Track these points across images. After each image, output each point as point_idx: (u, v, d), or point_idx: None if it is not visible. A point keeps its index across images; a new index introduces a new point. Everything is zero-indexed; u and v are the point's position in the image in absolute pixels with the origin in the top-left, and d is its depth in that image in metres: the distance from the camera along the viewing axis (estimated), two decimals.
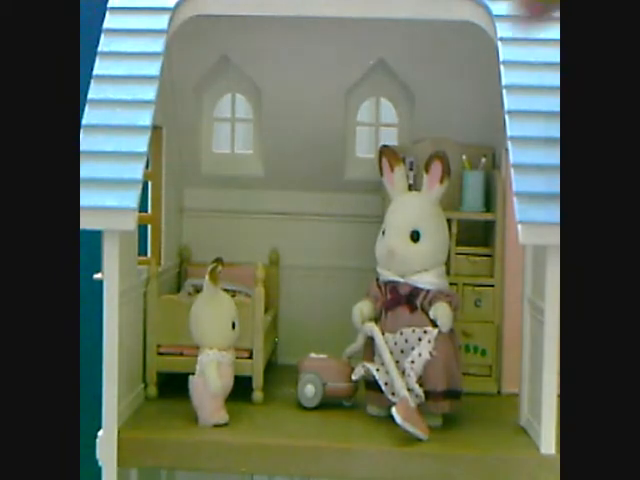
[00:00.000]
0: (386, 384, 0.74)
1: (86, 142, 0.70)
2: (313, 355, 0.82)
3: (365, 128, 0.96)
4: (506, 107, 0.71)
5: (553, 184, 0.61)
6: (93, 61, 0.75)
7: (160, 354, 0.82)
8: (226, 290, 0.80)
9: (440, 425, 0.75)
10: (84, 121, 0.71)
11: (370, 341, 0.77)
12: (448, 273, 0.82)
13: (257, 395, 0.81)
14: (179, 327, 0.80)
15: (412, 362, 0.73)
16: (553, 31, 0.64)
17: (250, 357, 0.81)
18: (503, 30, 0.73)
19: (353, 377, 0.77)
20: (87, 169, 0.68)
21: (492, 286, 0.88)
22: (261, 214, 0.97)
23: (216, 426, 0.74)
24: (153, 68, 0.74)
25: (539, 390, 0.71)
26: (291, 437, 0.72)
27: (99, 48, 0.75)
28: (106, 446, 0.70)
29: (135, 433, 0.72)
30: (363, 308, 0.77)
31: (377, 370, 0.75)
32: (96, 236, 0.70)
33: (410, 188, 0.81)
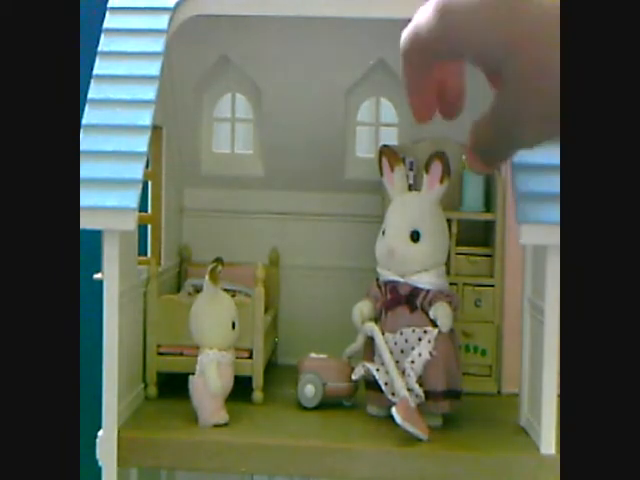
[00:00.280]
0: (386, 384, 0.74)
1: (86, 142, 0.70)
2: (313, 355, 0.82)
3: (365, 128, 0.96)
4: None
5: (553, 184, 0.61)
6: (93, 61, 0.75)
7: (160, 354, 0.82)
8: (226, 290, 0.80)
9: (440, 425, 0.75)
10: (84, 121, 0.71)
11: (370, 341, 0.77)
12: (448, 273, 0.82)
13: (257, 395, 0.81)
14: (179, 327, 0.80)
15: (412, 362, 0.73)
16: None
17: (250, 357, 0.81)
18: None
19: (353, 377, 0.77)
20: (87, 169, 0.68)
21: (492, 286, 0.88)
22: (261, 214, 0.97)
23: (216, 426, 0.74)
24: (153, 68, 0.74)
25: (539, 390, 0.71)
26: (291, 437, 0.73)
27: (99, 48, 0.76)
28: (106, 446, 0.70)
29: (135, 433, 0.72)
30: (363, 308, 0.77)
31: (377, 370, 0.75)
32: (96, 236, 0.70)
33: (410, 188, 0.81)
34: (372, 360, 0.76)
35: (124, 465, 0.72)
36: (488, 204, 0.88)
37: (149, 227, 0.90)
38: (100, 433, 0.71)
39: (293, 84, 0.91)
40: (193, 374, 0.75)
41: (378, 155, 0.78)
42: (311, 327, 0.95)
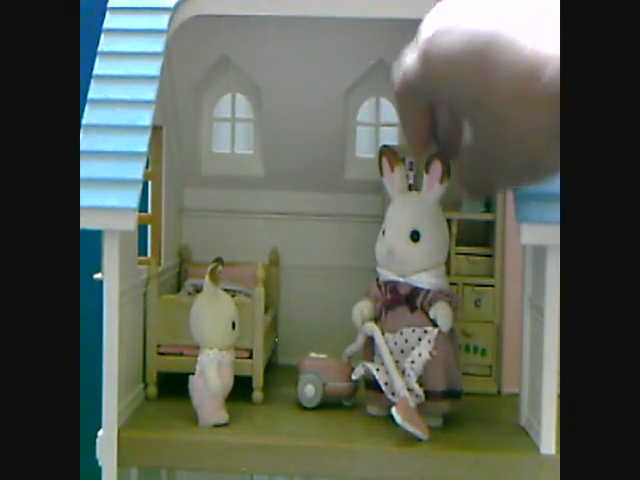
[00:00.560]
0: (386, 384, 0.74)
1: (86, 142, 0.70)
2: (313, 355, 0.82)
3: (365, 128, 0.96)
4: None
5: (553, 184, 0.61)
6: (93, 61, 0.75)
7: (160, 354, 0.82)
8: (226, 290, 0.80)
9: (440, 425, 0.75)
10: (84, 121, 0.71)
11: (370, 341, 0.77)
12: (448, 273, 0.82)
13: (257, 395, 0.81)
14: (179, 327, 0.80)
15: (412, 362, 0.73)
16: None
17: (250, 357, 0.81)
18: None
19: (353, 377, 0.77)
20: (87, 169, 0.68)
21: (492, 286, 0.88)
22: (261, 214, 0.97)
23: (216, 426, 0.74)
24: (153, 68, 0.74)
25: (539, 390, 0.71)
26: (291, 437, 0.73)
27: (99, 48, 0.75)
28: (106, 446, 0.70)
29: (135, 433, 0.72)
30: (363, 308, 0.77)
31: (377, 370, 0.75)
32: (96, 236, 0.70)
33: (410, 188, 0.81)
34: (372, 360, 0.76)
35: (124, 465, 0.72)
36: (488, 204, 0.88)
37: (149, 227, 0.90)
38: (100, 433, 0.71)
39: (293, 84, 0.91)
40: (193, 374, 0.75)
41: (378, 155, 0.78)
42: (311, 327, 0.95)
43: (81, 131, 0.70)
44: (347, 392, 0.80)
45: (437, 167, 0.73)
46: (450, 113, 0.68)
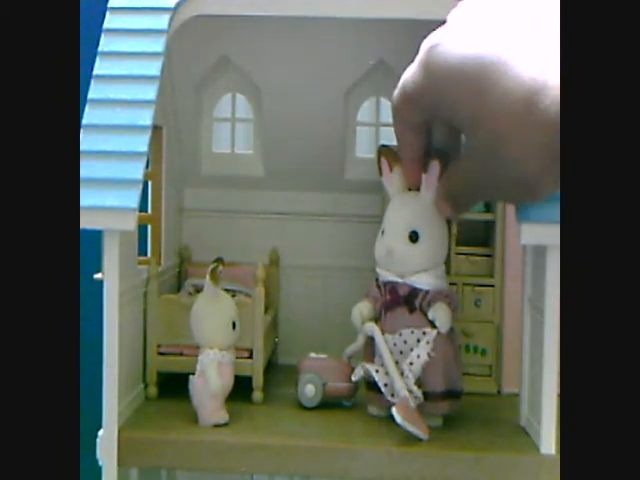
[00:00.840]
0: (385, 385, 0.74)
1: (86, 142, 0.70)
2: (313, 355, 0.82)
3: (365, 128, 0.96)
4: None
5: None
6: (93, 61, 0.75)
7: (160, 354, 0.82)
8: (226, 290, 0.80)
9: (440, 425, 0.75)
10: (84, 121, 0.71)
11: (370, 341, 0.77)
12: (448, 273, 0.82)
13: (257, 395, 0.81)
14: (179, 327, 0.80)
15: (411, 364, 0.73)
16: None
17: (250, 357, 0.81)
18: None
19: (353, 378, 0.77)
20: (87, 169, 0.68)
21: (492, 286, 0.88)
22: (261, 214, 0.97)
23: (216, 426, 0.74)
24: (153, 68, 0.74)
25: (539, 390, 0.71)
26: (291, 437, 0.73)
27: (99, 48, 0.75)
28: (106, 446, 0.70)
29: (135, 433, 0.72)
30: (362, 309, 0.77)
31: (376, 371, 0.74)
32: (96, 236, 0.70)
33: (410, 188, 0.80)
34: (372, 360, 0.76)
35: (124, 465, 0.72)
36: (488, 204, 0.88)
37: (149, 227, 0.90)
38: (100, 433, 0.71)
39: (293, 84, 0.91)
40: (193, 374, 0.75)
41: (377, 155, 0.78)
42: (311, 327, 0.95)
43: (81, 131, 0.70)
44: (347, 392, 0.80)
45: (435, 167, 0.73)
46: (448, 129, 0.69)
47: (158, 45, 0.75)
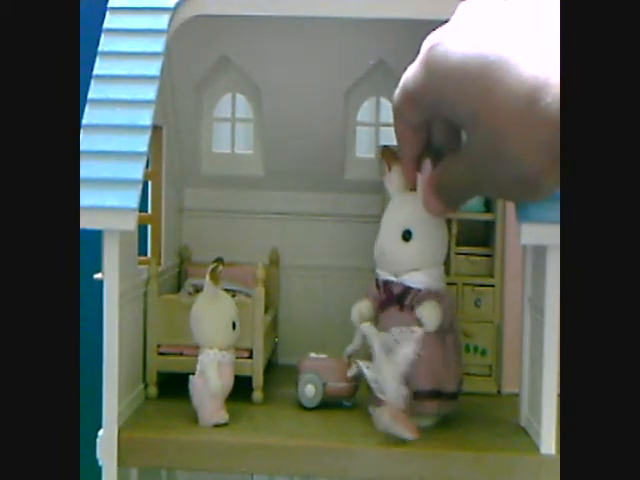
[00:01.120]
0: (376, 382, 0.74)
1: (86, 142, 0.70)
2: (313, 355, 0.82)
3: (365, 128, 0.96)
4: None
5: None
6: (93, 61, 0.75)
7: (160, 354, 0.82)
8: (226, 290, 0.80)
9: (430, 426, 0.75)
10: (84, 121, 0.71)
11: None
12: (448, 273, 0.82)
13: (257, 395, 0.81)
14: (179, 327, 0.80)
15: (396, 362, 0.73)
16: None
17: (250, 357, 0.81)
18: None
19: (348, 374, 0.77)
20: (87, 169, 0.68)
21: (492, 286, 0.88)
22: (261, 214, 0.97)
23: (216, 426, 0.74)
24: (153, 68, 0.74)
25: (539, 390, 0.71)
26: (291, 437, 0.73)
27: (99, 48, 0.75)
28: (106, 446, 0.70)
29: (135, 433, 0.72)
30: (362, 308, 0.77)
31: (367, 368, 0.74)
32: (96, 236, 0.70)
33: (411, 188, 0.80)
34: (371, 360, 0.76)
35: (124, 465, 0.72)
36: (488, 204, 0.88)
37: (149, 227, 0.90)
38: (100, 433, 0.71)
39: (293, 84, 0.91)
40: (193, 374, 0.75)
41: (379, 155, 0.78)
42: (311, 327, 0.95)
43: (81, 131, 0.70)
44: (347, 392, 0.80)
45: (427, 166, 0.73)
46: (448, 127, 0.69)
47: (158, 45, 0.75)
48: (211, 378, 0.74)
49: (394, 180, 0.77)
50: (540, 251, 0.72)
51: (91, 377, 0.71)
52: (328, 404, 0.80)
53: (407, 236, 0.74)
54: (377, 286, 0.77)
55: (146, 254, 0.89)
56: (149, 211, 0.89)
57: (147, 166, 0.86)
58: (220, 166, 0.97)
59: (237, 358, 0.78)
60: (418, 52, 0.65)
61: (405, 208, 0.75)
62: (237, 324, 0.77)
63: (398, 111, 0.68)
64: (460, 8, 0.64)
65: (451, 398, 0.75)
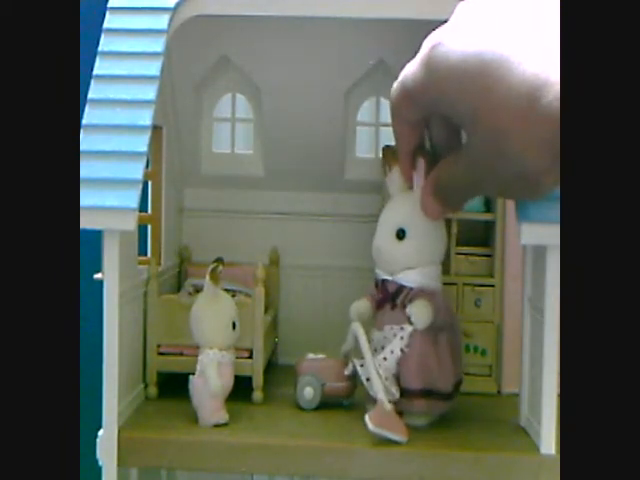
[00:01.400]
0: (368, 380, 0.74)
1: (86, 142, 0.70)
2: (311, 356, 0.82)
3: (365, 128, 0.96)
4: None
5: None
6: (93, 61, 0.75)
7: (160, 354, 0.82)
8: (226, 290, 0.80)
9: (423, 425, 0.75)
10: (84, 121, 0.71)
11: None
12: (448, 273, 0.82)
13: (257, 395, 0.81)
14: (179, 327, 0.80)
15: (384, 359, 0.73)
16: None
17: (250, 357, 0.81)
18: None
19: (345, 372, 0.77)
20: (87, 169, 0.68)
21: (492, 286, 0.88)
22: (261, 214, 0.97)
23: (216, 426, 0.74)
24: (153, 68, 0.74)
25: (539, 390, 0.71)
26: (291, 437, 0.73)
27: (99, 48, 0.75)
28: (106, 446, 0.70)
29: (135, 433, 0.72)
30: (360, 306, 0.77)
31: (361, 366, 0.74)
32: (96, 236, 0.70)
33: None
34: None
35: (124, 465, 0.72)
36: (488, 204, 0.88)
37: (149, 227, 0.90)
38: (100, 433, 0.71)
39: (293, 84, 0.91)
40: (193, 374, 0.75)
41: (382, 155, 0.78)
42: (311, 327, 0.95)
43: (81, 131, 0.70)
44: (346, 392, 0.80)
45: (421, 164, 0.73)
46: (447, 126, 0.69)
47: (158, 45, 0.75)
48: (211, 378, 0.74)
49: (395, 180, 0.77)
50: (540, 251, 0.72)
51: (91, 377, 0.71)
52: (327, 404, 0.80)
53: (401, 235, 0.74)
54: (375, 285, 0.78)
55: (146, 254, 0.89)
56: (149, 211, 0.89)
57: (147, 166, 0.86)
58: (220, 166, 0.97)
59: (237, 358, 0.78)
60: (418, 52, 0.65)
61: (401, 207, 0.75)
62: (237, 324, 0.77)
63: (396, 108, 0.68)
64: (460, 7, 0.64)
65: (445, 398, 0.75)
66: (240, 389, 0.78)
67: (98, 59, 0.75)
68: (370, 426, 0.70)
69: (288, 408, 0.80)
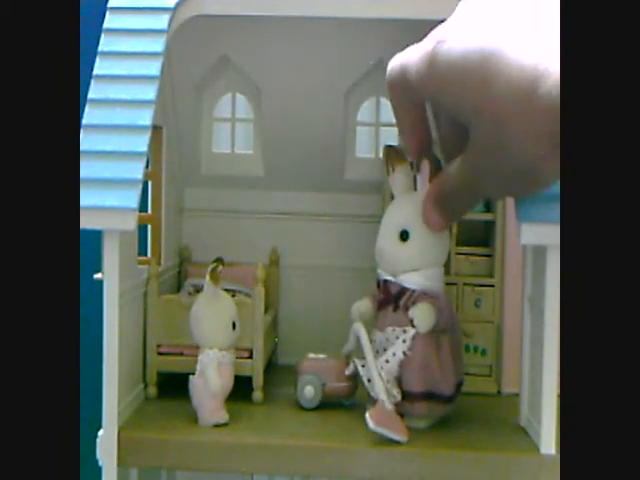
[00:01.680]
0: (369, 381, 0.74)
1: (86, 142, 0.70)
2: (311, 355, 0.82)
3: (365, 128, 0.96)
4: None
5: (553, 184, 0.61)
6: (93, 61, 0.75)
7: (160, 354, 0.82)
8: (226, 290, 0.80)
9: (424, 428, 0.75)
10: (84, 121, 0.71)
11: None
12: (448, 273, 0.82)
13: (257, 395, 0.81)
14: (179, 327, 0.80)
15: (386, 361, 0.73)
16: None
17: (250, 357, 0.81)
18: None
19: (346, 372, 0.77)
20: (87, 169, 0.68)
21: (492, 286, 0.88)
22: (261, 214, 0.97)
23: (216, 426, 0.74)
24: (153, 68, 0.74)
25: (539, 390, 0.71)
26: (291, 437, 0.73)
27: (99, 48, 0.75)
28: (106, 446, 0.70)
29: (135, 433, 0.72)
30: (361, 307, 0.77)
31: (362, 366, 0.74)
32: (96, 236, 0.70)
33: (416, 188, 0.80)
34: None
35: (124, 465, 0.72)
36: (488, 204, 0.88)
37: (149, 227, 0.90)
38: (100, 433, 0.71)
39: (293, 84, 0.91)
40: (193, 374, 0.75)
41: (383, 155, 0.78)
42: (311, 327, 0.95)
43: (81, 131, 0.70)
44: (346, 392, 0.80)
45: (425, 166, 0.73)
46: (454, 122, 0.69)
47: (158, 45, 0.75)
48: (211, 378, 0.74)
49: (398, 180, 0.77)
50: (540, 251, 0.72)
51: (91, 377, 0.71)
52: (328, 404, 0.80)
53: (404, 236, 0.74)
54: (378, 285, 0.77)
55: (146, 254, 0.89)
56: (149, 211, 0.89)
57: (147, 166, 0.86)
58: (220, 166, 0.97)
59: (237, 358, 0.78)
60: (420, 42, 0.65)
61: (404, 208, 0.75)
62: (237, 324, 0.77)
63: (394, 89, 0.68)
64: (461, 5, 0.64)
65: (446, 401, 0.75)
66: (240, 389, 0.78)
67: (98, 59, 0.75)
68: (371, 425, 0.70)
69: (288, 408, 0.80)
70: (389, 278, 0.75)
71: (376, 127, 0.96)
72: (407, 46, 0.68)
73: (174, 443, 0.72)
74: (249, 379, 0.81)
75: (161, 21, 0.76)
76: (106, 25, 0.77)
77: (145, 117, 0.72)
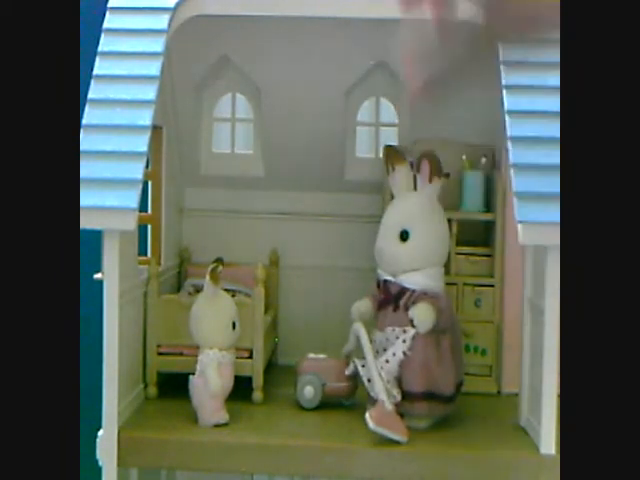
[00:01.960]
0: (369, 380, 0.74)
1: (86, 142, 0.70)
2: (311, 355, 0.82)
3: (365, 128, 0.96)
4: (506, 107, 0.71)
5: (553, 184, 0.61)
6: (93, 61, 0.75)
7: (160, 354, 0.82)
8: (226, 290, 0.80)
9: (424, 428, 0.75)
10: (84, 121, 0.71)
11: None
12: (448, 273, 0.82)
13: (257, 395, 0.81)
14: (179, 327, 0.80)
15: (387, 361, 0.73)
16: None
17: (250, 357, 0.81)
18: None
19: (346, 372, 0.77)
20: (87, 169, 0.68)
21: (492, 286, 0.88)
22: (261, 214, 0.97)
23: (216, 426, 0.74)
24: (153, 68, 0.74)
25: (539, 390, 0.71)
26: (291, 437, 0.73)
27: (99, 48, 0.76)
28: (106, 446, 0.70)
29: (135, 433, 0.72)
30: (361, 306, 0.77)
31: (362, 366, 0.74)
32: (96, 236, 0.70)
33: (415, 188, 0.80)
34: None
35: (124, 465, 0.72)
36: (488, 204, 0.88)
37: (149, 227, 0.90)
38: (100, 433, 0.71)
39: (293, 84, 0.91)
40: (193, 374, 0.75)
41: (383, 155, 0.78)
42: (311, 327, 0.95)
43: (81, 131, 0.70)
44: (346, 392, 0.80)
45: (425, 167, 0.73)
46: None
47: (158, 45, 0.75)
48: (211, 378, 0.74)
49: (397, 180, 0.77)
50: (540, 251, 0.72)
51: (91, 377, 0.71)
52: (328, 404, 0.80)
53: (404, 236, 0.74)
54: (378, 285, 0.78)
55: (146, 254, 0.89)
56: (149, 211, 0.89)
57: (147, 166, 0.86)
58: (220, 166, 0.97)
59: (237, 358, 0.78)
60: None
61: (405, 208, 0.75)
62: (237, 324, 0.77)
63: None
64: None
65: (446, 401, 0.75)
66: (240, 389, 0.78)
67: (98, 59, 0.75)
68: (371, 425, 0.70)
69: (288, 408, 0.80)
70: (389, 278, 0.76)
71: (376, 127, 0.96)
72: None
73: (174, 443, 0.72)
74: (249, 379, 0.81)
75: (161, 21, 0.76)
76: (106, 25, 0.77)
77: (145, 117, 0.72)
